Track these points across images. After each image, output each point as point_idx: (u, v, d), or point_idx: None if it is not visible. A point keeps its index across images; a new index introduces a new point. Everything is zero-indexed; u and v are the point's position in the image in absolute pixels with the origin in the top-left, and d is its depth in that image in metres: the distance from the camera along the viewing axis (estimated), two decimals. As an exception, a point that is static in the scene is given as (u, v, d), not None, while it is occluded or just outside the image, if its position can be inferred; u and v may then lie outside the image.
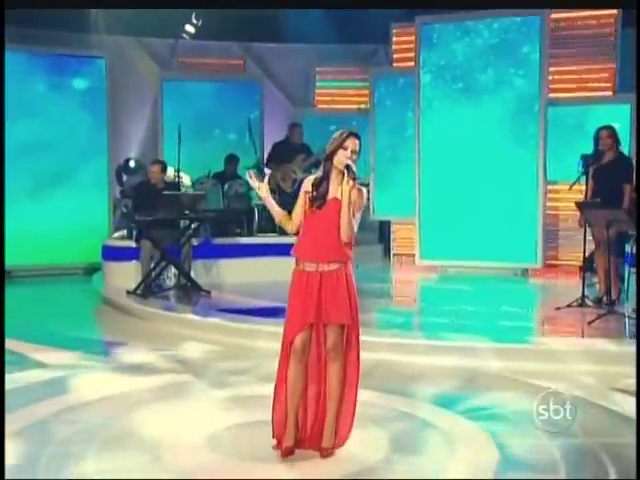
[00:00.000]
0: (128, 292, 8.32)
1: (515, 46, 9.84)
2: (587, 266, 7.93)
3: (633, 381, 4.77)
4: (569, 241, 9.75)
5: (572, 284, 8.20)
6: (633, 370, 4.92)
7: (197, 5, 11.09)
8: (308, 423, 4.10)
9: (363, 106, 11.65)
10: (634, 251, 7.65)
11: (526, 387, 5.29)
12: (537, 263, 9.80)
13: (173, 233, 8.60)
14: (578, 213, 7.59)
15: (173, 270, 8.81)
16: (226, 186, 10.24)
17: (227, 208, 9.98)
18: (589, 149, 7.64)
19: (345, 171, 3.87)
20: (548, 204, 9.94)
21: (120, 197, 11.48)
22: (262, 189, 4.11)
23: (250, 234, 9.74)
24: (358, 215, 3.98)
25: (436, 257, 10.28)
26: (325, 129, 10.78)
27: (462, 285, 9.21)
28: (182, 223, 8.72)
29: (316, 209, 3.95)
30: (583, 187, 7.48)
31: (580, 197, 7.60)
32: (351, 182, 3.85)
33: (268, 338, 6.11)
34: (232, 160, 10.64)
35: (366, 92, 11.44)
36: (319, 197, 3.96)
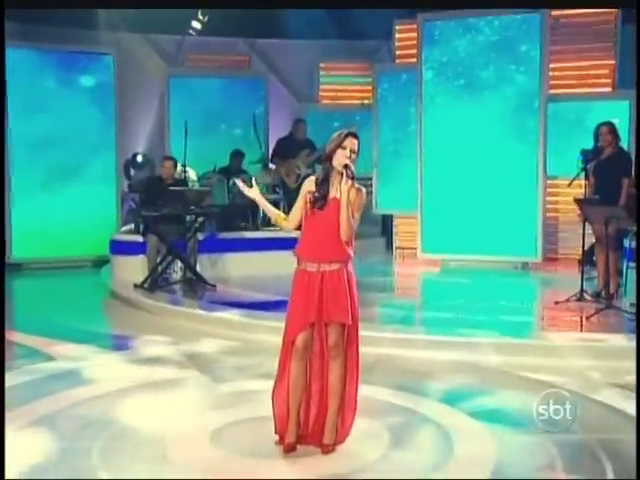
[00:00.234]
0: (135, 286, 8.42)
1: (516, 43, 9.90)
2: (587, 259, 8.00)
3: (631, 376, 4.79)
4: (568, 235, 9.88)
5: (571, 278, 8.22)
6: (631, 365, 4.94)
7: (197, 5, 11.24)
8: (310, 420, 4.12)
9: (366, 101, 11.77)
10: (632, 246, 7.73)
11: (526, 382, 5.32)
12: (537, 257, 9.90)
13: (179, 228, 8.69)
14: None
15: (179, 264, 8.89)
16: (231, 181, 10.35)
17: (232, 202, 10.09)
18: (588, 144, 7.71)
19: (344, 171, 3.89)
20: (548, 199, 10.07)
21: (128, 191, 11.65)
22: (253, 192, 4.23)
23: (255, 228, 9.79)
24: (357, 215, 3.98)
25: (437, 251, 10.35)
26: (329, 124, 11.03)
27: (463, 278, 9.29)
28: (188, 218, 8.81)
29: (317, 210, 3.97)
30: (583, 182, 7.54)
31: (580, 192, 7.64)
32: (349, 182, 3.86)
33: (273, 332, 5.97)
34: (237, 155, 10.73)
35: (369, 88, 11.55)
36: (320, 198, 3.97)
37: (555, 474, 3.89)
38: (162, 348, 6.41)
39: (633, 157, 8.09)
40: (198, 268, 8.84)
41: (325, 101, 12.67)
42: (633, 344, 5.58)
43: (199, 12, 11.97)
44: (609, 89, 10.05)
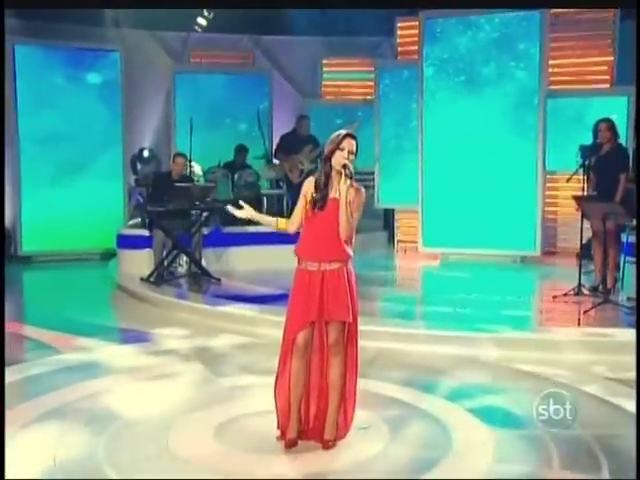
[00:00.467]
0: (142, 279, 8.54)
1: (516, 40, 9.99)
2: (584, 253, 8.08)
3: (630, 372, 4.84)
4: (567, 229, 9.98)
5: (569, 272, 8.29)
6: (629, 359, 5.01)
7: (199, 5, 11.37)
8: (311, 415, 4.16)
9: (368, 97, 11.84)
10: (630, 240, 7.82)
11: (524, 375, 5.37)
12: (535, 251, 10.01)
13: (184, 223, 8.78)
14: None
15: (184, 258, 8.97)
16: (236, 176, 10.38)
17: (236, 197, 10.20)
18: (587, 140, 7.75)
19: (342, 171, 3.93)
20: (547, 193, 10.19)
21: (135, 185, 11.80)
22: (244, 212, 4.32)
23: (259, 222, 9.88)
24: (357, 214, 4.00)
25: (438, 245, 10.45)
26: (332, 120, 11.16)
27: (462, 272, 9.39)
28: (193, 213, 8.90)
29: (317, 210, 4.01)
30: (581, 178, 7.58)
31: (578, 187, 7.66)
32: (348, 181, 3.90)
33: (278, 327, 5.87)
34: (241, 150, 10.80)
35: (371, 84, 11.58)
36: (320, 198, 4.00)
37: (551, 469, 3.92)
38: (167, 341, 6.49)
39: (631, 153, 8.19)
40: (203, 262, 8.92)
41: (328, 97, 12.77)
42: (631, 338, 5.63)
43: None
44: (607, 85, 10.13)
